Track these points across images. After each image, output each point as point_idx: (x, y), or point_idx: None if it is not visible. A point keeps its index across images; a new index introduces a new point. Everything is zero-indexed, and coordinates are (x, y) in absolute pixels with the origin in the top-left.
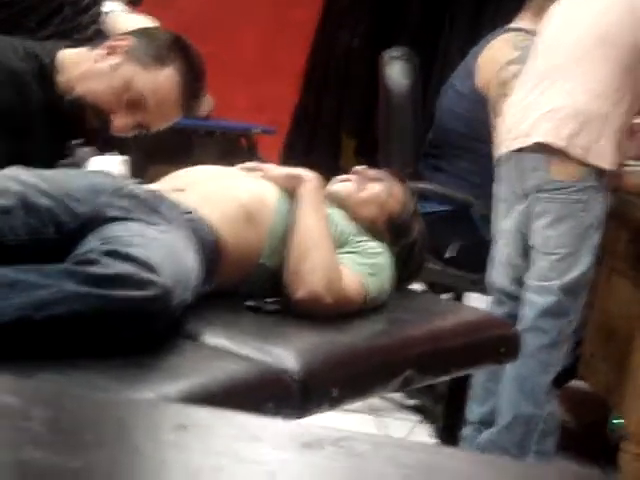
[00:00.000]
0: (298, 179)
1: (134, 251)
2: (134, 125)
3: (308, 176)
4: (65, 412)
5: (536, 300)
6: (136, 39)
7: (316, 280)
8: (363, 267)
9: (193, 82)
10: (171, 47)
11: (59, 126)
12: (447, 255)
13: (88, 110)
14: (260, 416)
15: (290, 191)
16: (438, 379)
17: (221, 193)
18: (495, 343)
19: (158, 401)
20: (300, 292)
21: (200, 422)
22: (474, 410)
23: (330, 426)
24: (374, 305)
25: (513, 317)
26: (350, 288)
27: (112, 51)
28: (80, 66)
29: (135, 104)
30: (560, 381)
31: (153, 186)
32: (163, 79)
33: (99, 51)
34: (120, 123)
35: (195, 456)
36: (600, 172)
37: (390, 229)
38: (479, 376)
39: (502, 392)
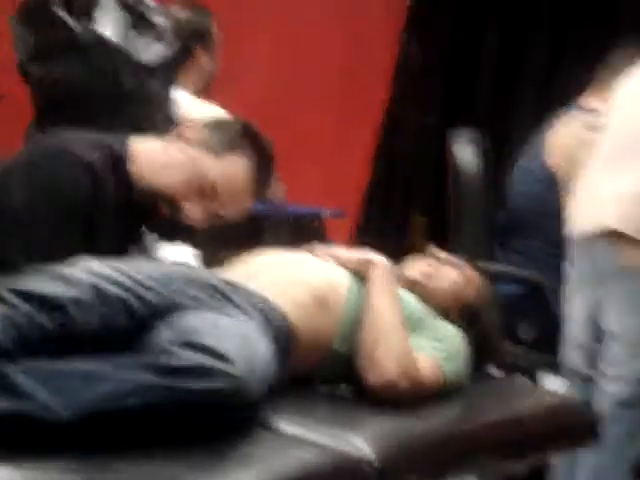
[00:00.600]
0: (368, 263)
1: (208, 342)
2: (206, 213)
3: (378, 259)
4: None
5: (610, 390)
6: (207, 128)
7: (391, 365)
8: (438, 351)
9: (263, 169)
10: (241, 135)
11: (131, 216)
12: (522, 336)
13: (160, 199)
14: None
15: (360, 275)
16: (515, 465)
17: (291, 279)
18: (573, 427)
19: None
20: (375, 378)
21: None
22: None
23: None
24: (451, 389)
25: (588, 400)
26: (426, 372)
27: (184, 140)
28: (152, 155)
29: (206, 192)
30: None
31: (225, 274)
32: (234, 167)
33: (171, 141)
34: (192, 211)
35: None
36: None
37: (463, 316)
38: (557, 464)
39: None
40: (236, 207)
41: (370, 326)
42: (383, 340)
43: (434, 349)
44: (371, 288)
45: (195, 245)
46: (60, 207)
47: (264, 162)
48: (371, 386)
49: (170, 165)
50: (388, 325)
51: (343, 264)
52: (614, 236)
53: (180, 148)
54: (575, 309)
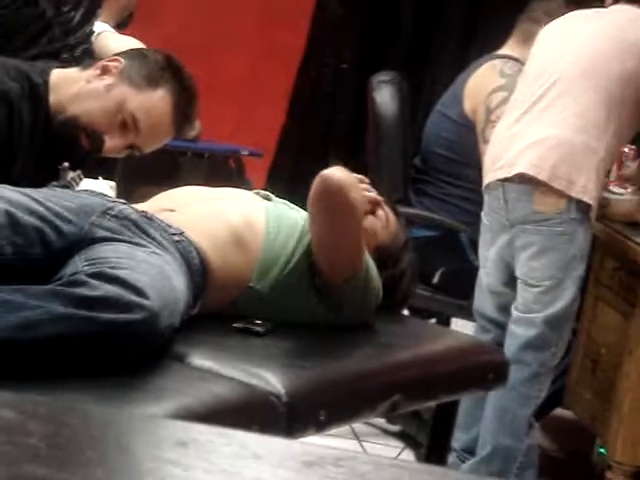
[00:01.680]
0: None
1: (122, 273)
2: (126, 146)
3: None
4: (65, 427)
5: (518, 332)
6: (128, 60)
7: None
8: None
9: (186, 104)
10: (164, 68)
11: (50, 147)
12: (435, 281)
13: (81, 131)
14: (260, 434)
15: (276, 214)
16: (426, 404)
17: (211, 215)
18: (484, 369)
19: (158, 417)
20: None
21: (200, 439)
22: (459, 437)
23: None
24: (363, 289)
25: (498, 344)
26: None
27: (105, 72)
28: (72, 86)
29: (127, 125)
30: (543, 411)
31: (142, 206)
32: (156, 101)
33: (91, 71)
34: (112, 144)
35: (194, 473)
36: (583, 204)
37: (378, 259)
38: (465, 403)
39: (483, 422)
40: (156, 142)
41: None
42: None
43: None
44: None
45: (113, 179)
46: None
47: (186, 96)
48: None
49: (91, 96)
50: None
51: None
52: (527, 182)
53: (101, 79)
54: (488, 254)
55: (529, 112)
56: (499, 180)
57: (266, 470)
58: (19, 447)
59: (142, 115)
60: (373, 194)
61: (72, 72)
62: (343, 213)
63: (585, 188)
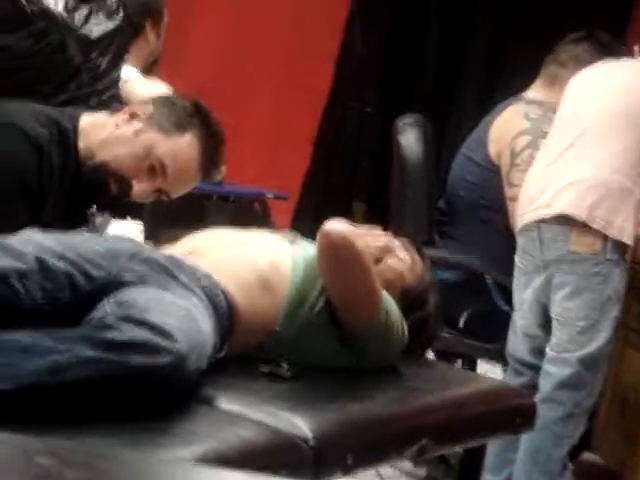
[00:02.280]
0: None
1: (150, 317)
2: (154, 191)
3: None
4: (99, 473)
5: (553, 372)
6: (157, 106)
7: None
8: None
9: (213, 150)
10: (192, 114)
11: (79, 192)
12: (461, 324)
13: (110, 176)
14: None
15: (302, 256)
16: (454, 448)
17: (237, 259)
18: (511, 413)
19: (188, 462)
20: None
21: None
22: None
23: None
24: (385, 334)
25: (531, 387)
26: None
27: (133, 117)
28: (101, 132)
29: (155, 170)
30: (574, 453)
31: (169, 250)
32: (184, 146)
33: (120, 117)
34: (140, 189)
35: None
36: (620, 245)
37: (403, 301)
38: (495, 446)
39: (517, 464)
40: (183, 186)
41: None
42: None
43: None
44: None
45: (140, 220)
46: (4, 182)
47: (214, 142)
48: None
49: (119, 141)
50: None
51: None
52: (565, 222)
53: (130, 125)
54: (523, 296)
55: (564, 154)
56: (535, 221)
57: None
58: None
59: (170, 160)
60: (383, 240)
61: (101, 117)
62: (349, 264)
63: (622, 229)
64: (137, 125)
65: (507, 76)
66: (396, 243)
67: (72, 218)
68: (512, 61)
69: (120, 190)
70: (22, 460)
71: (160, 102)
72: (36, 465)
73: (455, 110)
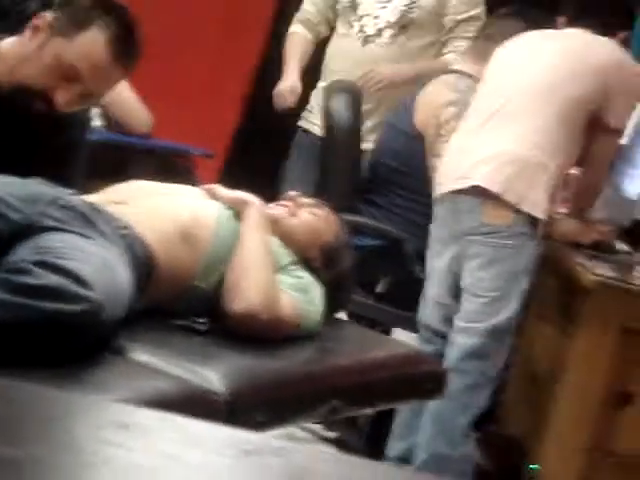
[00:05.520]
0: (244, 203)
1: (67, 264)
2: (80, 97)
3: (253, 200)
4: (11, 404)
5: (461, 341)
6: (55, 11)
7: (254, 295)
8: (299, 295)
9: (122, 34)
10: (91, 7)
11: (5, 118)
12: (378, 290)
13: (31, 96)
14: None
15: (229, 214)
16: (364, 410)
17: (160, 210)
18: (422, 379)
19: (101, 399)
20: (237, 306)
21: (142, 423)
22: (394, 446)
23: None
24: (306, 333)
25: (440, 356)
26: (286, 311)
27: (36, 31)
28: (11, 54)
29: (70, 76)
30: (479, 424)
31: (91, 198)
32: (89, 43)
33: (26, 35)
34: (64, 99)
35: (136, 455)
36: (533, 220)
37: (321, 257)
38: (401, 412)
39: (420, 430)
40: (105, 84)
41: (239, 260)
42: (250, 272)
43: (295, 292)
44: (243, 226)
45: None
46: None
47: (121, 27)
48: (232, 315)
49: (28, 59)
50: (256, 260)
51: (221, 200)
52: (479, 194)
53: (35, 39)
54: (435, 265)
55: (484, 127)
56: (451, 192)
57: (206, 455)
58: None
59: (80, 62)
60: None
61: (8, 41)
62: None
63: (536, 203)
64: (41, 37)
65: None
66: (308, 201)
67: (6, 153)
68: None
69: (46, 106)
70: None
71: (57, 7)
72: None
73: None
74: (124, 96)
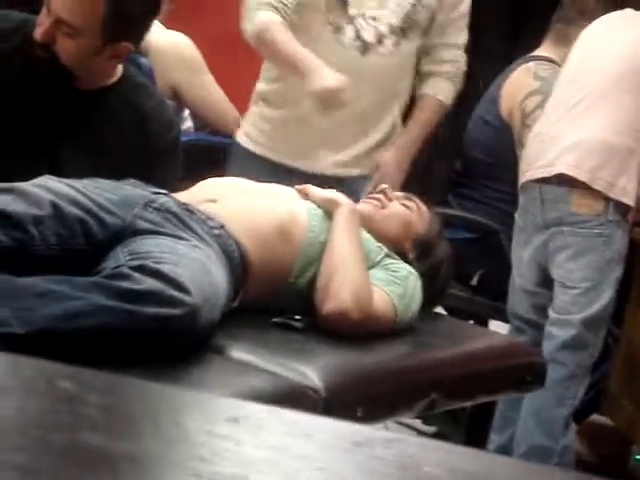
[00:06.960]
0: (335, 202)
1: (164, 268)
2: (53, 24)
3: (344, 200)
4: (121, 400)
5: (556, 333)
6: None
7: (345, 295)
8: (394, 288)
9: None
10: None
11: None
12: (474, 282)
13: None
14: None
15: (320, 213)
16: (463, 404)
17: (255, 208)
18: (522, 370)
19: (212, 395)
20: (328, 306)
21: (251, 416)
22: (493, 439)
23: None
24: (402, 327)
25: (532, 345)
26: (379, 307)
27: None
28: None
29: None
30: (580, 415)
31: (183, 196)
32: None
33: None
34: (39, 31)
35: (247, 448)
36: (622, 207)
37: (415, 249)
38: (500, 405)
39: (519, 423)
40: (72, 4)
41: (330, 259)
42: (341, 272)
43: (389, 286)
44: (335, 226)
45: None
46: None
47: None
48: (324, 316)
49: None
50: (347, 259)
51: (312, 198)
52: (566, 183)
53: None
54: (522, 255)
55: (568, 114)
56: (536, 181)
57: (315, 448)
58: (78, 417)
59: None
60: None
61: None
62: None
63: (625, 190)
64: None
65: (529, 36)
66: (399, 194)
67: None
68: (534, 20)
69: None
70: (44, 383)
71: None
72: (58, 388)
73: (475, 73)
74: (215, 97)
